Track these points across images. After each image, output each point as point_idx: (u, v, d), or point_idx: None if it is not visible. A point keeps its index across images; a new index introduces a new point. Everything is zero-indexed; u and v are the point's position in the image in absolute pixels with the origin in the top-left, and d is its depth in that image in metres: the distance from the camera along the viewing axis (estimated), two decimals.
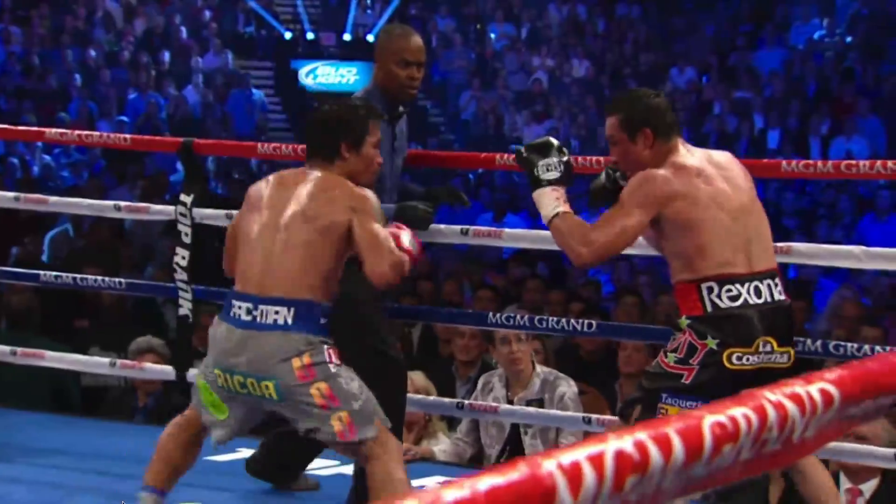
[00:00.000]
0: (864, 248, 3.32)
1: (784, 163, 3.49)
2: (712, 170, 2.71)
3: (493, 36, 13.84)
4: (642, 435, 0.66)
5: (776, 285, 2.69)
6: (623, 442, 0.65)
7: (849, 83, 10.84)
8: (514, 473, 0.59)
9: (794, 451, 0.76)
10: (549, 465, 0.61)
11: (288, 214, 2.77)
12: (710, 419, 0.69)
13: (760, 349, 2.66)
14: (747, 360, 2.64)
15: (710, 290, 2.63)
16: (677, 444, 0.67)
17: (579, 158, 3.78)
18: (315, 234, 2.74)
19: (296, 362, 2.69)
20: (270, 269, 2.74)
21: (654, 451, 0.66)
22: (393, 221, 3.06)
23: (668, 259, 2.73)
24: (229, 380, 2.75)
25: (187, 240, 3.90)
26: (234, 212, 4.08)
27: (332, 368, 2.72)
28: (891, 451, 3.35)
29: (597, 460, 0.63)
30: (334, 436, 2.72)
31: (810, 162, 3.49)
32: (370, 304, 3.24)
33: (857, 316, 5.38)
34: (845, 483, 3.78)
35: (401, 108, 3.31)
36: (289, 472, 3.50)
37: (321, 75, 13.91)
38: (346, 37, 14.32)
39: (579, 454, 0.63)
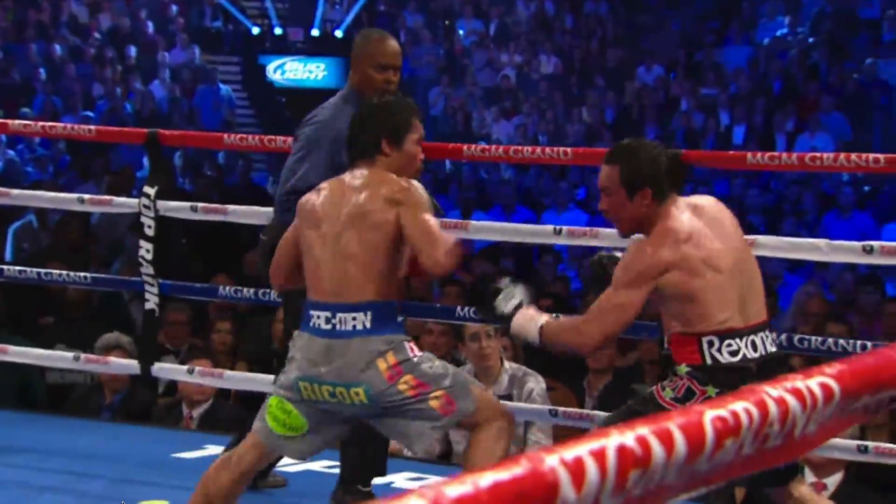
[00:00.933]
0: (827, 241, 3.34)
1: (749, 155, 3.51)
2: (702, 227, 2.66)
3: (461, 32, 13.82)
4: (644, 430, 0.65)
5: (768, 337, 2.69)
6: (625, 437, 0.63)
7: (813, 80, 10.93)
8: (517, 469, 0.58)
9: (796, 446, 0.75)
10: (552, 461, 0.60)
11: (342, 219, 2.76)
12: (712, 414, 0.68)
13: None
14: None
15: (711, 344, 2.63)
16: (679, 439, 0.66)
17: (546, 149, 3.79)
18: (367, 233, 2.73)
19: (381, 364, 2.71)
20: (338, 276, 2.74)
21: (656, 446, 0.65)
22: None
23: (664, 317, 2.70)
24: (317, 390, 2.74)
25: (150, 232, 3.86)
26: (200, 204, 4.07)
27: (415, 359, 2.74)
28: (854, 442, 3.37)
29: (599, 455, 0.62)
30: (437, 414, 2.72)
31: (775, 154, 3.52)
32: None
33: (822, 312, 5.41)
34: (809, 477, 3.80)
35: None
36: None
37: (289, 71, 13.84)
38: (314, 32, 14.26)
39: (582, 449, 0.61)
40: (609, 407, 3.67)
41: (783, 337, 3.37)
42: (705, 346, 2.63)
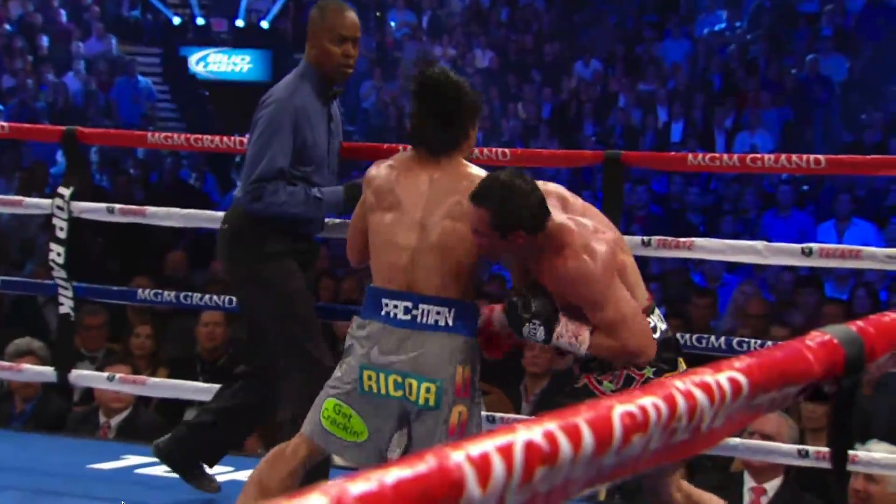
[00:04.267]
0: (765, 243, 3.42)
1: (690, 156, 3.57)
2: (591, 222, 2.73)
3: (392, 24, 13.83)
4: (552, 425, 0.67)
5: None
6: (532, 432, 0.66)
7: (753, 76, 11.12)
8: (422, 465, 0.60)
9: (702, 440, 0.78)
10: (458, 457, 0.62)
11: (430, 211, 2.75)
12: (620, 409, 0.71)
13: (680, 369, 2.79)
14: None
15: None
16: (587, 435, 0.68)
17: (484, 150, 3.81)
18: (465, 233, 2.73)
19: (459, 371, 2.72)
20: (422, 267, 2.74)
21: (563, 442, 0.67)
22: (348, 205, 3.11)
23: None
24: (382, 380, 2.72)
25: (63, 235, 3.81)
26: (117, 206, 4.02)
27: (476, 398, 2.78)
28: (795, 447, 3.45)
29: (506, 451, 0.64)
30: None
31: (716, 155, 3.58)
32: (305, 301, 3.22)
33: (761, 313, 5.53)
34: (749, 482, 3.89)
35: (335, 88, 3.30)
36: (195, 464, 3.43)
37: (212, 63, 13.73)
38: (239, 23, 14.16)
39: (488, 445, 0.64)
40: (546, 412, 3.71)
41: (722, 340, 3.44)
42: None
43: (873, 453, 3.39)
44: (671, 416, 0.74)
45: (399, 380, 2.71)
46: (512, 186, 2.62)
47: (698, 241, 3.39)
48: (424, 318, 2.71)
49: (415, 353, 2.70)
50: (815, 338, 0.90)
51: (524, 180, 2.65)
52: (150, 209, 3.84)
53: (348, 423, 2.77)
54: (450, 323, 2.71)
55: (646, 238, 3.38)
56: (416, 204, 2.75)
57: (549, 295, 2.69)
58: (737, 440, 3.45)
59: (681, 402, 0.75)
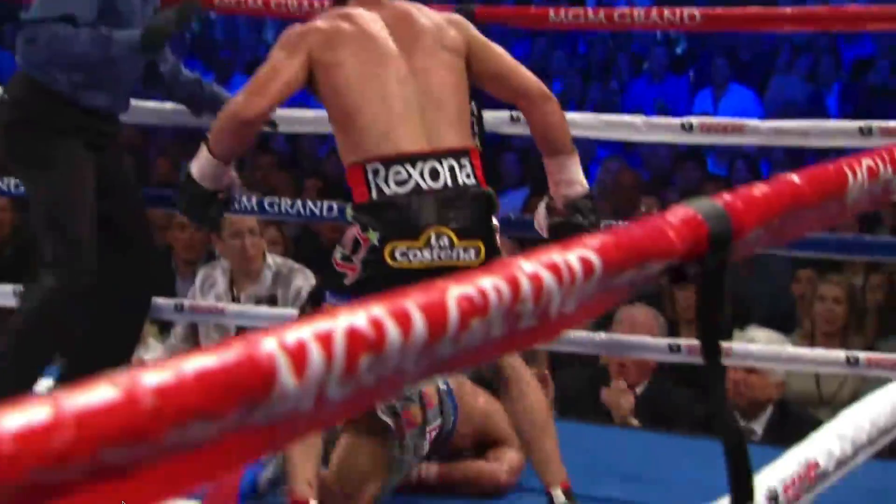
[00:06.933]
0: (643, 117, 3.50)
1: (552, 12, 3.60)
2: (381, 30, 2.68)
3: None
4: (378, 310, 0.68)
5: (463, 167, 2.62)
6: (356, 318, 0.67)
7: None
8: (228, 354, 0.61)
9: (552, 326, 0.81)
10: (270, 345, 0.63)
11: None
12: (456, 291, 0.72)
13: (432, 243, 2.56)
14: (414, 256, 2.55)
15: (377, 172, 2.57)
16: (418, 320, 0.70)
17: None
18: None
19: None
20: None
21: (391, 328, 0.69)
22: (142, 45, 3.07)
23: (334, 133, 2.70)
24: None
25: None
26: None
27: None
28: (665, 341, 3.58)
29: (325, 339, 0.65)
30: None
31: (579, 11, 3.62)
32: (80, 183, 3.10)
33: (633, 191, 5.67)
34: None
35: None
36: None
37: None
38: None
39: (305, 332, 0.65)
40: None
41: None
42: (370, 175, 2.57)
43: (749, 346, 3.54)
44: (514, 298, 0.76)
45: None
46: None
47: (570, 116, 3.44)
48: None
49: None
50: (676, 213, 0.93)
51: None
52: None
53: None
54: None
55: (514, 113, 3.38)
56: None
57: None
58: (602, 336, 3.57)
59: (525, 283, 0.77)
